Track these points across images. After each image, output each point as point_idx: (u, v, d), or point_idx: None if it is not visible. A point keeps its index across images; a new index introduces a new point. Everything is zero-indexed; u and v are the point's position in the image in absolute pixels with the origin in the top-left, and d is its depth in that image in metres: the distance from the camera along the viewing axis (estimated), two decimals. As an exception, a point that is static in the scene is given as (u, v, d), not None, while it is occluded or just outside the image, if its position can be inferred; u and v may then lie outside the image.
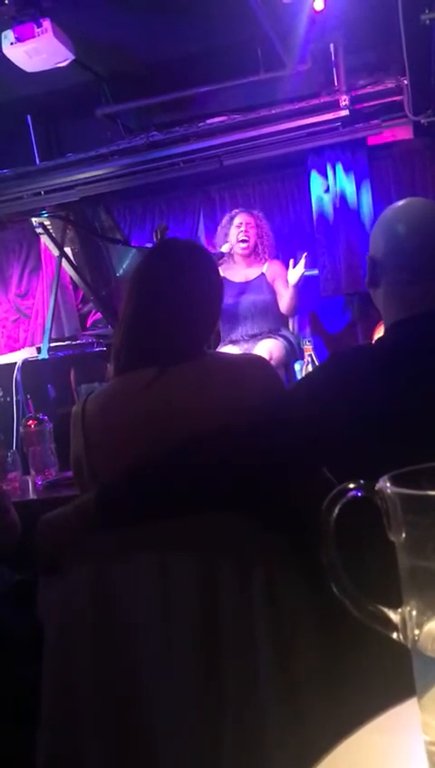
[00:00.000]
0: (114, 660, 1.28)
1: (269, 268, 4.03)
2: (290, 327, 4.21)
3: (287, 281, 3.92)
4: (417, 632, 0.46)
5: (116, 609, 1.29)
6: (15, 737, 1.46)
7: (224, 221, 4.15)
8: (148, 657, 1.27)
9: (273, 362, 3.39)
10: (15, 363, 4.20)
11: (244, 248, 3.98)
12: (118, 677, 1.28)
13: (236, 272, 4.03)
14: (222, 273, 3.90)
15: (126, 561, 1.30)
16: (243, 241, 3.98)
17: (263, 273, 4.01)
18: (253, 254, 4.04)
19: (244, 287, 3.98)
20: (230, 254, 4.01)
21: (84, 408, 1.46)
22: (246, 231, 3.98)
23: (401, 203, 1.43)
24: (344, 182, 4.81)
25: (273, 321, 3.98)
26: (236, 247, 3.99)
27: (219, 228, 4.20)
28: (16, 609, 1.72)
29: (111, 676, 1.28)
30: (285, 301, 3.94)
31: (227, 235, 4.05)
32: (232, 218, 4.06)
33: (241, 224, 3.99)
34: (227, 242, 4.03)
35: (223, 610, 1.24)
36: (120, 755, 1.26)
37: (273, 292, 3.98)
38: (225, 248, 3.97)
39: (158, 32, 4.14)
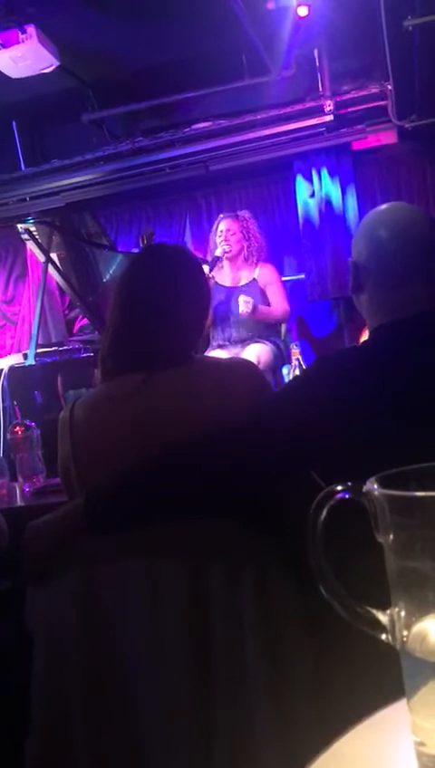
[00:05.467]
0: (104, 666, 1.28)
1: (261, 273, 4.02)
2: (281, 332, 4.22)
3: (278, 287, 3.93)
4: (405, 633, 0.46)
5: (105, 615, 1.28)
6: (3, 746, 1.45)
7: (213, 228, 4.16)
8: (138, 662, 1.26)
9: (261, 366, 3.40)
10: (2, 369, 4.19)
11: (227, 253, 3.98)
12: (108, 683, 1.27)
13: (225, 276, 4.03)
14: (214, 278, 3.93)
15: (114, 566, 1.29)
16: (225, 250, 3.97)
17: (255, 279, 4.00)
18: (240, 259, 4.03)
19: (233, 291, 3.98)
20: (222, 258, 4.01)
21: (72, 413, 1.45)
22: (226, 238, 3.97)
23: (382, 207, 1.44)
24: (330, 187, 4.84)
25: (262, 326, 3.97)
26: (217, 252, 4.00)
27: (210, 236, 4.20)
28: (4, 616, 1.71)
29: (101, 682, 1.27)
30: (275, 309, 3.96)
31: (215, 242, 4.05)
32: (217, 224, 4.07)
33: (222, 231, 4.00)
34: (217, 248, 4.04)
35: (212, 613, 1.24)
36: (111, 761, 1.26)
37: (263, 297, 3.98)
38: (218, 252, 3.96)
39: (143, 38, 4.15)
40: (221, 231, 3.99)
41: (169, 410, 1.39)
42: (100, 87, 4.68)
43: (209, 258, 4.00)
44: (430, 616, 0.45)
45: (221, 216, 4.15)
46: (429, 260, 1.34)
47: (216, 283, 3.95)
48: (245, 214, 4.17)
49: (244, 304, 3.75)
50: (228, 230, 3.99)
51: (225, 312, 3.93)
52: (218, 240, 3.98)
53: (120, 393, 1.43)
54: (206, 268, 3.69)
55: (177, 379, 1.42)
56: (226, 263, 4.03)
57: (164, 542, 1.29)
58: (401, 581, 0.46)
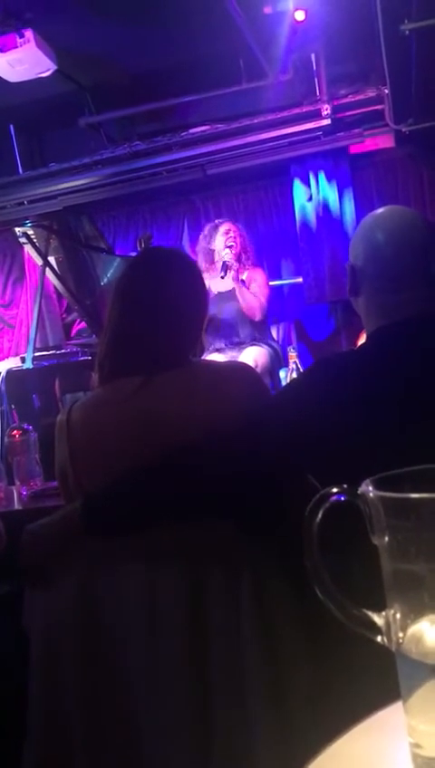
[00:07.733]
0: (101, 669, 1.28)
1: (249, 275, 4.01)
2: (274, 335, 4.22)
3: (260, 286, 3.93)
4: (401, 635, 0.46)
5: (102, 618, 1.28)
6: (2, 749, 1.45)
7: (206, 230, 4.09)
8: (135, 664, 1.26)
9: (258, 369, 3.40)
10: (0, 373, 4.18)
11: (231, 254, 3.96)
12: (105, 686, 1.27)
13: (217, 281, 4.02)
14: (206, 284, 3.87)
15: (112, 569, 1.29)
16: (230, 247, 3.94)
17: (243, 281, 4.01)
18: (237, 263, 4.02)
19: (226, 296, 3.98)
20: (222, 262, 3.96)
21: (69, 417, 1.45)
22: (234, 237, 3.96)
23: (379, 211, 1.44)
24: (327, 190, 4.85)
25: (255, 329, 3.98)
26: (223, 254, 3.96)
27: (201, 238, 4.13)
28: (2, 620, 1.71)
29: (99, 685, 1.27)
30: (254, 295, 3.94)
31: (210, 243, 4.02)
32: (217, 227, 4.05)
33: (229, 230, 3.98)
34: (211, 249, 4.00)
35: (210, 613, 1.24)
36: (110, 764, 1.26)
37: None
38: (227, 257, 3.87)
39: (140, 42, 4.16)
40: (228, 230, 3.97)
41: (167, 414, 1.39)
42: (97, 91, 4.69)
43: (203, 265, 3.95)
44: (426, 618, 0.45)
45: (217, 221, 4.13)
46: (426, 263, 1.35)
47: (208, 290, 3.92)
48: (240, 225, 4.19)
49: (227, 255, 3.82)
50: (236, 229, 3.98)
51: (219, 317, 3.93)
52: (224, 238, 3.95)
53: (118, 396, 1.43)
54: (206, 278, 3.65)
55: (175, 382, 1.42)
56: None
57: (163, 546, 1.29)
58: (397, 583, 0.47)
